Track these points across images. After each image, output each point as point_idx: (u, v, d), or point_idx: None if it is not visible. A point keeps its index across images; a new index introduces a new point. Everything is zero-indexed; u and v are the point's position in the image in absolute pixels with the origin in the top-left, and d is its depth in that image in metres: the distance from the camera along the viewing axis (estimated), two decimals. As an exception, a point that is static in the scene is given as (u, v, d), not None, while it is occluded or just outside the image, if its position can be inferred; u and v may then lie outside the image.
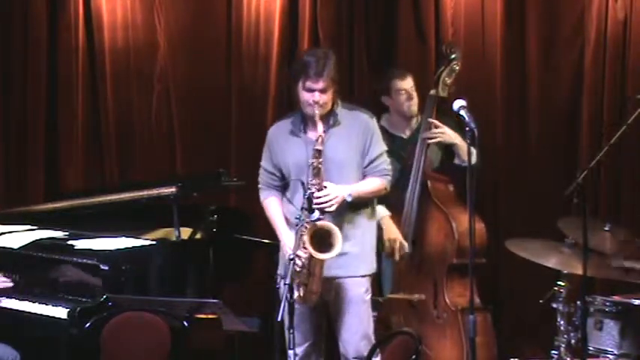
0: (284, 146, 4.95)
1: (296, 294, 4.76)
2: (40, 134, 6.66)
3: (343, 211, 4.86)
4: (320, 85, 4.80)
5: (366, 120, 4.97)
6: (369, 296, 5.00)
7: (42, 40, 6.64)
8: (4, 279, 5.29)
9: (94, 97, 6.72)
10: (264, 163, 5.05)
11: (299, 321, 4.93)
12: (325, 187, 4.77)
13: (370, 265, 5.00)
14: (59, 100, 6.69)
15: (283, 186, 5.00)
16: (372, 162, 4.94)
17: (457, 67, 5.71)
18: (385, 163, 4.98)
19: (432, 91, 5.70)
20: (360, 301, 4.94)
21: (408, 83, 5.71)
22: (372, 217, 5.04)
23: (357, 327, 4.93)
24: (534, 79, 6.30)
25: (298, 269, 4.70)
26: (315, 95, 4.81)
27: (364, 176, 4.95)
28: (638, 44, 6.03)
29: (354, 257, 4.90)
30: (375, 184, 4.95)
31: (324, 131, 4.84)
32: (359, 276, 4.94)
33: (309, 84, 4.81)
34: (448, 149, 5.67)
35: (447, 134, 5.60)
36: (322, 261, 4.73)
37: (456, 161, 5.63)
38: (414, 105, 5.72)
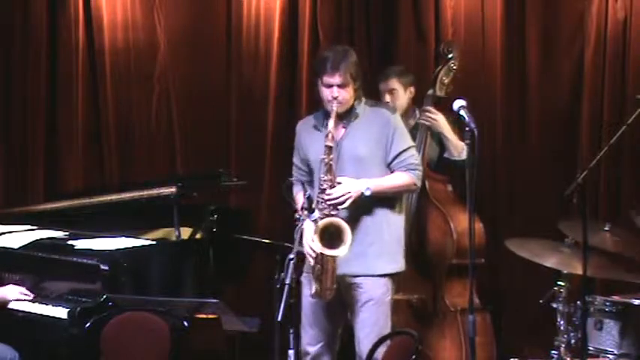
0: (308, 140, 4.99)
1: (314, 289, 4.77)
2: (40, 134, 6.66)
3: (363, 207, 4.85)
4: (337, 79, 4.81)
5: (387, 115, 4.96)
6: (388, 297, 4.94)
7: (42, 40, 6.64)
8: (24, 290, 5.29)
9: (94, 97, 6.72)
10: (294, 158, 5.10)
11: (313, 321, 4.95)
12: (339, 182, 4.78)
13: (392, 264, 4.95)
14: (59, 100, 6.69)
15: (311, 181, 5.01)
16: (396, 157, 4.91)
17: (454, 67, 5.70)
18: (412, 157, 4.94)
19: (430, 91, 5.69)
20: (378, 302, 4.90)
21: (388, 85, 5.68)
22: (397, 214, 4.98)
23: (372, 327, 4.89)
24: (534, 79, 6.29)
25: (312, 264, 4.71)
26: (333, 91, 4.82)
27: (391, 172, 4.92)
28: (638, 44, 6.02)
29: (373, 256, 4.88)
30: (400, 178, 4.91)
31: (344, 127, 4.89)
32: (377, 275, 4.90)
33: (326, 79, 4.83)
34: (443, 144, 5.66)
35: (438, 122, 5.58)
36: (334, 257, 4.73)
37: (445, 154, 5.62)
38: (399, 106, 5.66)
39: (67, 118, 6.68)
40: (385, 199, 4.92)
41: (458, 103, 4.41)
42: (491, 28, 6.33)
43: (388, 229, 4.94)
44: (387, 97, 5.67)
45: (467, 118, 4.32)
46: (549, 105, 6.28)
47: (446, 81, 5.67)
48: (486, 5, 6.33)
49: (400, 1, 6.48)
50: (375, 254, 4.89)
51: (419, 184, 5.00)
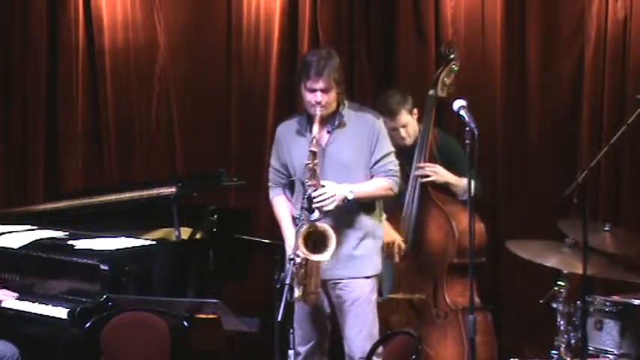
0: (290, 145, 4.98)
1: (297, 293, 4.78)
2: (40, 134, 6.67)
3: (346, 212, 4.87)
4: (320, 84, 4.81)
5: (371, 120, 4.96)
6: (374, 296, 4.99)
7: (42, 40, 6.65)
8: (8, 291, 5.29)
9: (94, 97, 6.73)
10: (272, 161, 5.08)
11: (303, 321, 4.96)
12: (323, 186, 4.78)
13: (375, 267, 5.00)
14: (59, 100, 6.70)
15: (290, 184, 5.01)
16: (377, 162, 4.93)
17: (456, 67, 5.70)
18: (392, 163, 4.96)
19: (431, 91, 5.68)
20: (365, 300, 4.94)
21: (398, 121, 5.53)
22: (378, 219, 5.02)
23: (362, 326, 4.93)
24: (534, 79, 6.28)
25: (296, 269, 4.71)
26: (316, 95, 4.82)
27: (371, 177, 4.94)
28: (638, 44, 6.01)
29: (359, 259, 4.92)
30: (380, 184, 4.93)
31: (329, 132, 4.89)
32: (364, 277, 4.94)
33: (309, 84, 4.83)
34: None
35: (440, 174, 5.52)
36: (318, 262, 4.74)
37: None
38: (407, 139, 5.56)
39: (67, 118, 6.69)
40: (367, 205, 4.95)
41: (458, 103, 4.41)
42: (491, 28, 6.32)
43: (370, 234, 4.97)
44: (403, 133, 5.53)
45: (467, 118, 4.32)
46: (549, 105, 6.27)
47: (447, 82, 5.67)
48: (486, 5, 6.32)
49: (400, 1, 6.47)
50: (361, 259, 4.93)
51: (396, 190, 5.01)
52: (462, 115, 4.37)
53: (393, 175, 4.96)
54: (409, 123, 5.59)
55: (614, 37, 6.05)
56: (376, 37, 6.55)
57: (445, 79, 5.67)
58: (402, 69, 6.42)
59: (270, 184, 5.10)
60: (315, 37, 6.54)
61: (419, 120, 5.64)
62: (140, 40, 6.74)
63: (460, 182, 5.49)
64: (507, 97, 6.34)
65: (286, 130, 5.04)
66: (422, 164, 5.53)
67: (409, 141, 5.58)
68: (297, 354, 4.97)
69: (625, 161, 6.06)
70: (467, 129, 4.31)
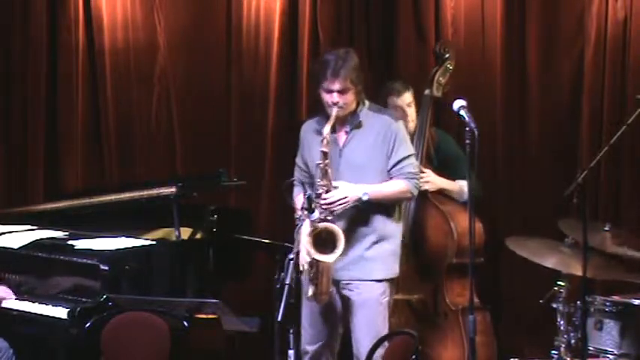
0: (311, 143, 4.98)
1: (310, 292, 4.77)
2: (40, 134, 6.67)
3: (363, 213, 4.87)
4: (336, 85, 4.79)
5: (388, 122, 4.94)
6: (385, 299, 4.98)
7: (42, 40, 6.65)
8: (7, 289, 5.29)
9: (94, 97, 6.73)
10: (297, 158, 5.10)
11: (312, 321, 4.97)
12: (336, 187, 4.78)
13: (389, 270, 4.99)
14: (59, 100, 6.70)
15: (312, 183, 5.01)
16: (395, 164, 4.91)
17: (451, 67, 5.70)
18: (411, 166, 4.94)
19: (427, 91, 5.67)
20: (374, 303, 4.93)
21: (403, 100, 5.59)
22: (395, 222, 5.00)
23: (369, 328, 4.92)
24: (534, 79, 6.28)
25: (307, 267, 4.71)
26: (333, 96, 4.81)
27: (390, 179, 4.92)
28: (638, 44, 6.01)
29: (370, 261, 4.91)
30: (398, 186, 4.91)
31: (347, 132, 4.90)
32: (374, 280, 4.93)
33: (326, 84, 4.82)
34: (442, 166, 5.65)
35: (433, 182, 5.53)
36: (327, 262, 4.74)
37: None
38: (410, 122, 5.57)
39: (67, 118, 6.69)
40: (383, 207, 4.93)
41: (458, 103, 4.41)
42: (491, 28, 6.32)
43: (385, 237, 4.96)
44: (408, 111, 5.56)
45: (467, 118, 4.32)
46: (549, 105, 6.27)
47: (442, 81, 5.67)
48: (486, 5, 6.32)
49: (400, 1, 6.47)
50: (372, 260, 4.92)
51: (415, 192, 5.00)
52: (461, 115, 4.37)
53: (412, 178, 4.94)
54: (412, 104, 5.61)
55: (614, 37, 6.05)
56: (376, 37, 6.56)
57: (440, 78, 5.67)
58: (402, 69, 6.42)
59: (294, 182, 5.12)
60: (315, 37, 6.55)
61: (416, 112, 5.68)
62: (140, 40, 6.74)
63: (454, 186, 5.51)
64: (507, 97, 6.34)
65: (308, 128, 5.05)
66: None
67: (411, 125, 5.58)
68: (304, 352, 4.97)
69: (625, 161, 6.06)
70: (467, 129, 4.31)
